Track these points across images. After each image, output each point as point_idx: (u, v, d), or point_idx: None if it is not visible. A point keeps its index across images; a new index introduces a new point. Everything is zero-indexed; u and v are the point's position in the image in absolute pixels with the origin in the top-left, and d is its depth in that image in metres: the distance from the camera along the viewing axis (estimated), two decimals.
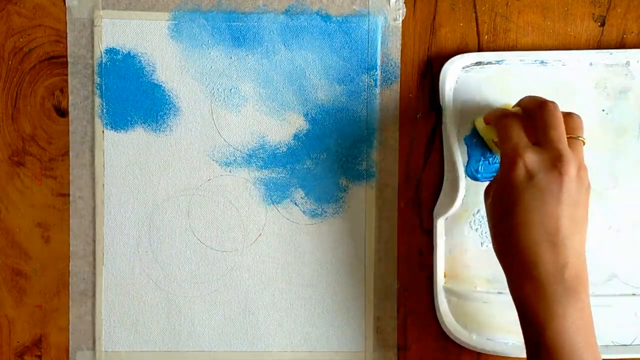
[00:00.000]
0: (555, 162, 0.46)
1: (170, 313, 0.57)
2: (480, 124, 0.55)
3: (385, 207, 0.57)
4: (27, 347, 0.58)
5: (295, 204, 0.57)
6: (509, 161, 0.47)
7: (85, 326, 0.57)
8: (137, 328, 0.57)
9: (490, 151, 0.56)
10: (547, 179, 0.46)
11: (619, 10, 0.57)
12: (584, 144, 0.49)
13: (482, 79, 0.56)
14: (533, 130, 0.48)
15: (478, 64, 0.56)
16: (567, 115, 0.49)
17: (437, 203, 0.57)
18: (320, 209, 0.57)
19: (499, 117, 0.50)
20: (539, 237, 0.46)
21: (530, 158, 0.46)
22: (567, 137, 0.48)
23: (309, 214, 0.57)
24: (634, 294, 0.57)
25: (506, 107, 0.55)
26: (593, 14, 0.57)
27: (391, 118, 0.57)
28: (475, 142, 0.57)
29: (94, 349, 0.57)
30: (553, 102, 0.48)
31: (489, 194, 0.49)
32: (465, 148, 0.57)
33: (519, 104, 0.52)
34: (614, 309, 0.57)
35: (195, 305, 0.57)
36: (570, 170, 0.46)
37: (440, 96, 0.56)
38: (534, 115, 0.49)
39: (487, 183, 0.57)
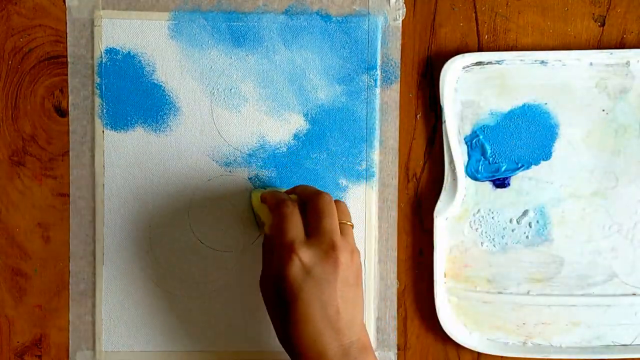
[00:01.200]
0: (330, 253, 0.47)
1: (170, 313, 0.57)
2: (255, 200, 0.55)
3: (385, 207, 0.57)
4: (27, 347, 0.58)
5: None
6: (284, 257, 0.47)
7: (85, 326, 0.57)
8: (137, 328, 0.57)
9: (484, 154, 0.56)
10: (323, 270, 0.47)
11: (619, 10, 0.57)
12: (352, 227, 0.50)
13: (482, 79, 0.56)
14: (306, 218, 0.49)
15: (478, 64, 0.56)
16: (337, 203, 0.50)
17: (438, 203, 0.57)
18: None
19: (277, 205, 0.50)
20: (322, 327, 0.46)
21: (306, 253, 0.47)
22: (339, 223, 0.49)
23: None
24: (634, 294, 0.57)
25: (282, 190, 0.55)
26: (593, 14, 0.57)
27: (391, 118, 0.57)
28: (476, 142, 0.57)
29: (94, 348, 0.57)
30: (327, 193, 0.50)
31: (265, 287, 0.50)
32: (465, 148, 0.57)
33: (294, 190, 0.53)
34: (614, 309, 0.57)
35: (195, 305, 0.57)
36: (344, 257, 0.47)
37: (441, 96, 0.56)
38: (309, 204, 0.50)
39: (486, 183, 0.57)
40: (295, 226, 0.48)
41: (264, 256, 0.51)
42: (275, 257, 0.48)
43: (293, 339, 0.47)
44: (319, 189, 0.51)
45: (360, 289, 0.49)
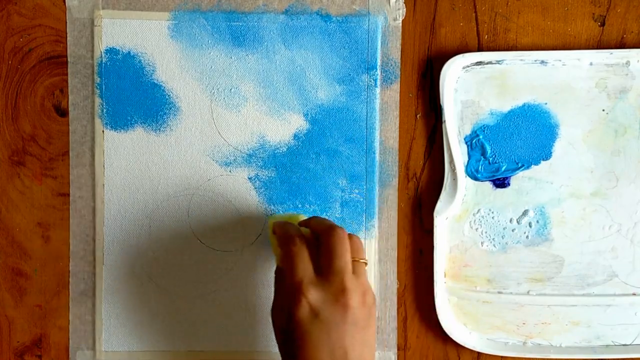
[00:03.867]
0: (339, 296, 0.46)
1: (169, 313, 0.57)
2: (271, 227, 0.54)
3: (385, 207, 0.57)
4: (27, 347, 0.58)
5: (295, 203, 0.57)
6: (293, 297, 0.47)
7: (85, 326, 0.57)
8: (137, 328, 0.57)
9: (484, 154, 0.56)
10: (332, 314, 0.46)
11: (619, 10, 0.57)
12: (365, 264, 0.49)
13: (482, 79, 0.56)
14: (318, 253, 0.49)
15: (478, 63, 0.56)
16: (350, 237, 0.49)
17: (438, 202, 0.57)
18: (319, 209, 0.57)
19: (286, 241, 0.50)
20: None
21: (314, 296, 0.46)
22: (352, 260, 0.48)
23: (308, 213, 0.57)
24: (634, 294, 0.57)
25: (294, 219, 0.54)
26: (593, 13, 0.57)
27: (391, 118, 0.57)
28: (476, 142, 0.57)
29: (94, 348, 0.57)
30: (341, 228, 0.49)
31: (275, 317, 0.49)
32: (465, 148, 0.57)
33: (308, 223, 0.52)
34: (614, 309, 0.57)
35: (195, 304, 0.57)
36: (354, 301, 0.46)
37: (441, 96, 0.56)
38: (322, 240, 0.49)
39: (486, 182, 0.57)
40: (304, 266, 0.48)
41: (276, 285, 0.51)
42: (285, 293, 0.48)
43: None
44: (334, 223, 0.50)
45: (372, 330, 0.48)
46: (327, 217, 0.56)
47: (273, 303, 0.50)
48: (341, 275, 0.47)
